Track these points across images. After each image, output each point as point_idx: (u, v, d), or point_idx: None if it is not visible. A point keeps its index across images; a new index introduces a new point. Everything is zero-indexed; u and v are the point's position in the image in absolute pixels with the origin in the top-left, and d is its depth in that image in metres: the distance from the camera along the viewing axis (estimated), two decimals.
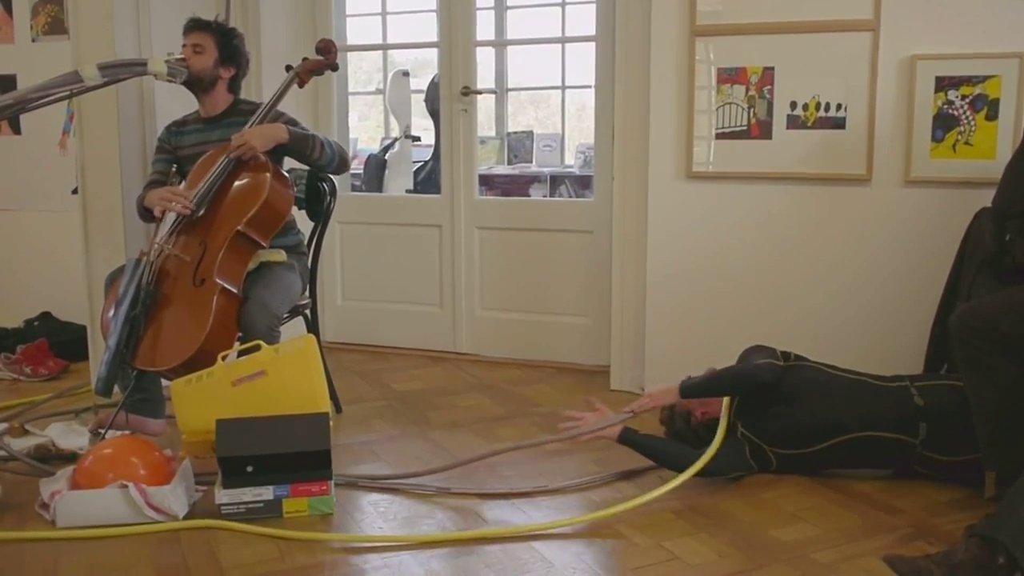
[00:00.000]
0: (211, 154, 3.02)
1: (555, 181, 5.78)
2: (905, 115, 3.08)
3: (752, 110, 3.27)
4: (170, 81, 2.95)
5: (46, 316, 4.30)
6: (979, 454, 2.44)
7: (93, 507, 2.35)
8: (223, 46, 3.08)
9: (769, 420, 2.66)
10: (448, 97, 4.08)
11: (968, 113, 3.02)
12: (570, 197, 5.56)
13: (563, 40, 6.40)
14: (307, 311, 3.23)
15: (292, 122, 3.06)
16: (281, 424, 2.45)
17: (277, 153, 3.04)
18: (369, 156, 5.68)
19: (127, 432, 2.79)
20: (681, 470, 2.55)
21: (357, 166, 5.51)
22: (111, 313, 2.81)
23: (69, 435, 2.92)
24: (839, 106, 3.16)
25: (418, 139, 5.86)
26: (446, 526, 2.39)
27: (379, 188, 5.46)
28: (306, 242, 3.29)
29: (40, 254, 4.37)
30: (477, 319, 4.16)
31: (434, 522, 2.42)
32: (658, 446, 2.68)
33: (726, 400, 2.74)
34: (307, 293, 3.23)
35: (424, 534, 2.32)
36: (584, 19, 5.96)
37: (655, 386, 2.86)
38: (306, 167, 3.21)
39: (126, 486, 2.36)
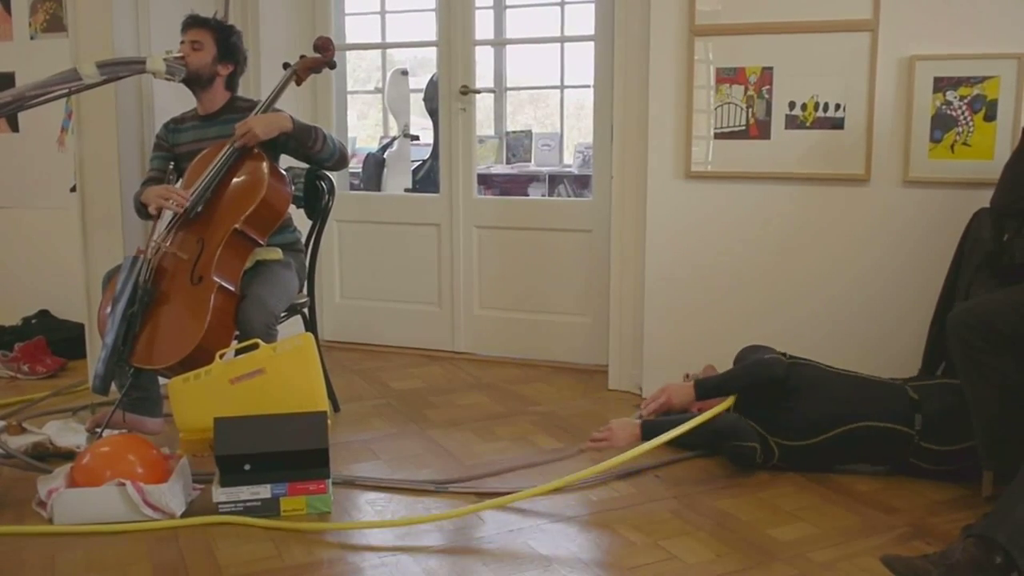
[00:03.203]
0: (208, 151, 3.01)
1: (554, 180, 5.79)
2: (904, 115, 3.08)
3: (751, 110, 3.27)
4: (168, 79, 2.95)
5: (44, 314, 4.30)
6: (975, 442, 2.46)
7: (90, 505, 2.35)
8: (221, 43, 3.09)
9: (772, 411, 2.71)
10: (447, 96, 4.08)
11: (966, 113, 3.02)
12: (569, 196, 5.57)
13: (562, 39, 6.40)
14: (305, 309, 3.23)
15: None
16: (279, 422, 2.45)
17: (275, 151, 3.04)
18: (368, 155, 5.68)
19: (124, 430, 2.80)
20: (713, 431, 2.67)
21: (356, 165, 5.51)
22: (108, 311, 2.81)
23: (66, 433, 2.91)
24: (838, 106, 3.16)
25: (417, 138, 5.86)
26: (443, 524, 2.39)
27: (378, 187, 5.46)
28: (304, 240, 3.29)
29: (38, 252, 4.37)
30: (475, 318, 4.15)
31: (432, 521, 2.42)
32: (684, 418, 2.68)
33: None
34: (305, 291, 3.23)
35: (418, 515, 2.33)
36: (583, 18, 5.97)
37: (668, 385, 2.81)
38: (304, 165, 3.21)
39: (123, 484, 2.36)
